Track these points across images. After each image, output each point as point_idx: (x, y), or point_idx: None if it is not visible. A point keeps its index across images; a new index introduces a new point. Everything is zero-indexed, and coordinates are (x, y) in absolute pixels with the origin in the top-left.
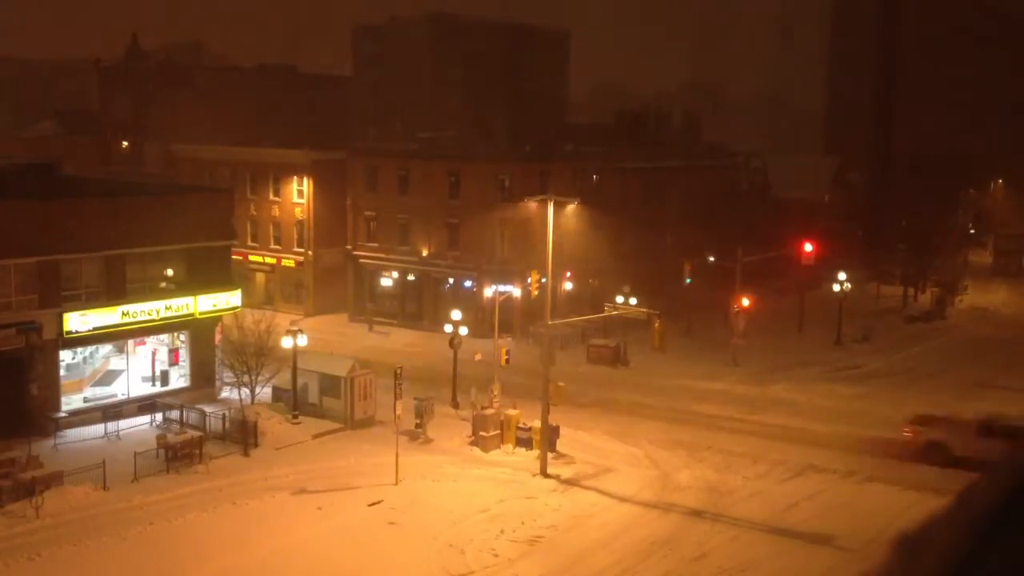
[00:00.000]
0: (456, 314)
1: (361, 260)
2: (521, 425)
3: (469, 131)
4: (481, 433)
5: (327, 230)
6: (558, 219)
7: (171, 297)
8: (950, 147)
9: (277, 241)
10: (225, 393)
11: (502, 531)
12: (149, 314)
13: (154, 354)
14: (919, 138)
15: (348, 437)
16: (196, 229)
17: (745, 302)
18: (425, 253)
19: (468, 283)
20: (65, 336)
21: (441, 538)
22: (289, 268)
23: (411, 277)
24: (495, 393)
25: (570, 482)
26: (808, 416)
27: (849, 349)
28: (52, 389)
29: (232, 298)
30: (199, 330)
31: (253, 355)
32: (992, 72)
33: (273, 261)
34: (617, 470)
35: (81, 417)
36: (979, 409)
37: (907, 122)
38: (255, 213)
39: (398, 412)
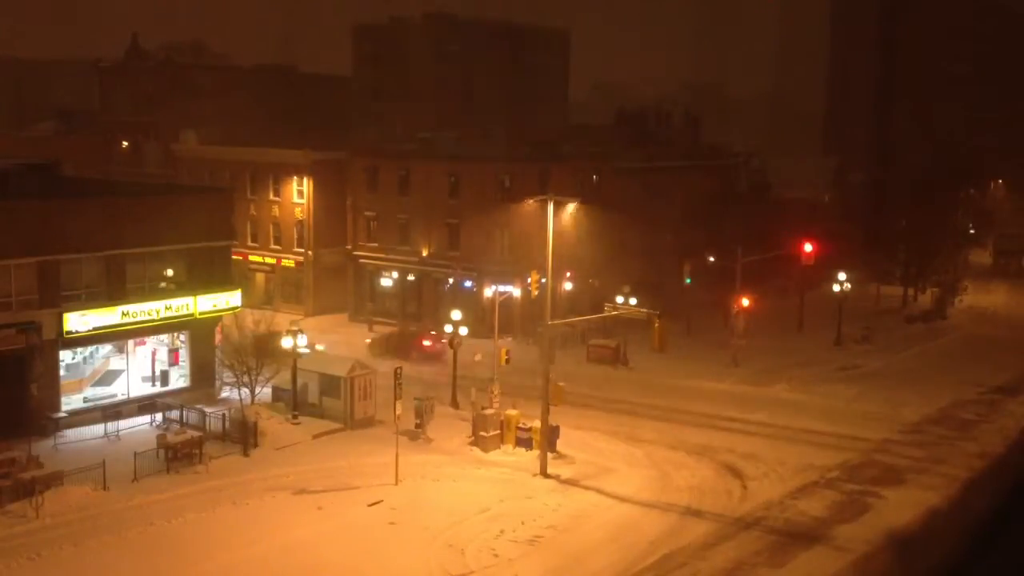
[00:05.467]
0: (456, 314)
1: (361, 260)
2: (521, 425)
3: (469, 131)
4: (481, 433)
5: (327, 230)
6: (558, 219)
7: (171, 297)
8: (950, 147)
9: (277, 241)
10: (225, 393)
11: (502, 531)
12: (149, 314)
13: (154, 354)
14: (919, 138)
15: (348, 437)
16: (196, 229)
17: (745, 302)
18: (425, 253)
19: (468, 283)
20: (65, 336)
21: (441, 538)
22: (289, 268)
23: (411, 277)
24: (495, 393)
25: (570, 482)
26: (808, 416)
27: (849, 349)
28: (52, 389)
29: (232, 298)
30: (199, 330)
31: (253, 355)
32: (992, 71)
33: (273, 261)
34: (617, 470)
35: (81, 417)
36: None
37: (907, 122)
38: (255, 213)
39: (398, 412)
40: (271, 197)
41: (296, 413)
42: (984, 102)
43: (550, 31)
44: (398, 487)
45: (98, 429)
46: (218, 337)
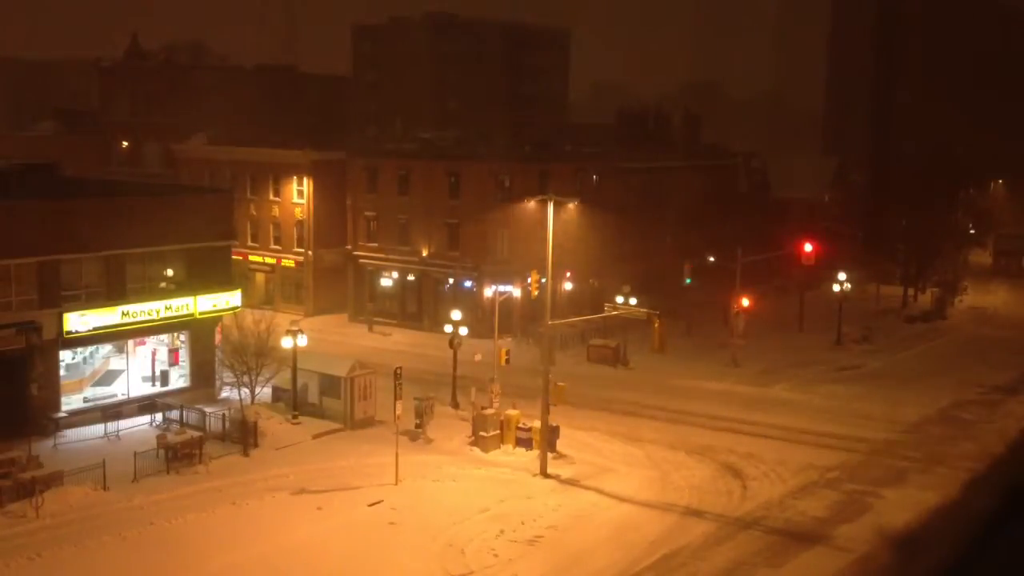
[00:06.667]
0: (456, 314)
1: (361, 260)
2: (521, 425)
3: (469, 131)
4: (481, 433)
5: (327, 230)
6: (558, 219)
7: (171, 297)
8: (950, 147)
9: (277, 241)
10: (225, 393)
11: (502, 531)
12: (149, 314)
13: (154, 354)
14: (919, 138)
15: (348, 437)
16: (196, 229)
17: (745, 302)
18: (425, 253)
19: (468, 283)
20: (65, 336)
21: (441, 538)
22: (289, 268)
23: (411, 277)
24: (495, 393)
25: (570, 482)
26: (808, 416)
27: (849, 349)
28: (52, 389)
29: (232, 298)
30: (199, 330)
31: (253, 355)
32: (992, 71)
33: (273, 261)
34: (616, 470)
35: (81, 417)
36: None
37: (907, 122)
38: (255, 213)
39: (398, 412)
40: (271, 197)
41: (296, 413)
42: (984, 102)
43: (550, 31)
44: (398, 487)
45: (98, 429)
46: (218, 337)
